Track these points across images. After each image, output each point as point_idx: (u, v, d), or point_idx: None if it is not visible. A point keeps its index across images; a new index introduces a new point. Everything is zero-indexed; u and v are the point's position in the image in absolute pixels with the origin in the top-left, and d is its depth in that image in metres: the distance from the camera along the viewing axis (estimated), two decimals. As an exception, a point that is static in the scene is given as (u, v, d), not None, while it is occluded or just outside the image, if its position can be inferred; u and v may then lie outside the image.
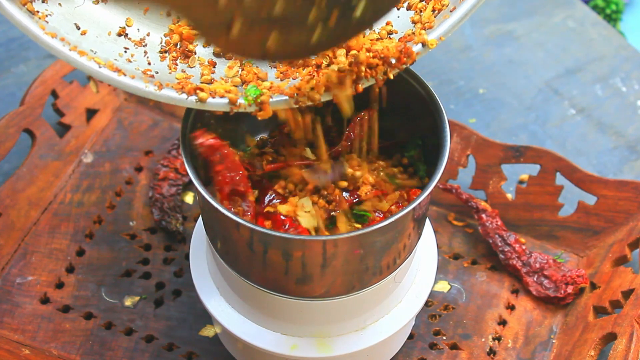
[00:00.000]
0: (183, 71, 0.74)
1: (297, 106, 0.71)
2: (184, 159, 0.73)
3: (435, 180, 0.71)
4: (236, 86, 0.72)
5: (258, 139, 0.84)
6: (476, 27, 1.25)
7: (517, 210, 1.01)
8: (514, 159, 1.02)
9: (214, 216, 0.75)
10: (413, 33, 0.71)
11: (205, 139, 0.74)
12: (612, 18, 1.40)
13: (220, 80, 0.73)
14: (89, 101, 1.08)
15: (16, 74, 1.16)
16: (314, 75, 0.72)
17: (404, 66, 0.70)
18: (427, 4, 0.73)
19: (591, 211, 0.99)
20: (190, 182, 1.03)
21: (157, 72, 0.73)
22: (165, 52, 0.75)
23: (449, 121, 0.77)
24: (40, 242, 0.98)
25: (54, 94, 1.06)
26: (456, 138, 1.04)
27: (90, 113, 1.08)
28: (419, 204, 0.71)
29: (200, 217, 0.85)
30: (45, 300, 0.94)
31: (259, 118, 0.70)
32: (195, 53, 0.76)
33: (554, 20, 1.26)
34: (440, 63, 1.21)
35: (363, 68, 0.69)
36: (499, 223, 0.98)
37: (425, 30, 0.71)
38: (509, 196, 1.02)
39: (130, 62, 0.73)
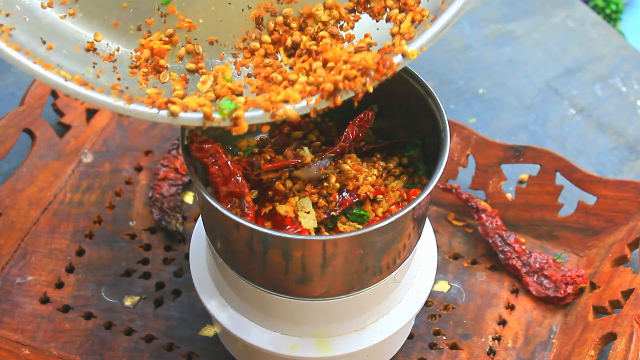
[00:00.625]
0: (154, 87, 0.72)
1: (273, 120, 0.68)
2: (184, 159, 0.73)
3: (435, 180, 0.71)
4: (210, 101, 0.70)
5: (258, 138, 0.84)
6: (476, 27, 1.25)
7: (517, 210, 1.01)
8: (514, 159, 1.02)
9: (213, 216, 0.75)
10: (393, 44, 0.70)
11: (196, 142, 0.73)
12: (612, 18, 1.40)
13: (194, 95, 0.71)
14: (89, 101, 1.08)
15: (16, 73, 1.16)
16: (287, 87, 0.70)
17: (384, 77, 0.68)
18: (407, 14, 0.72)
19: (591, 211, 0.99)
20: (190, 182, 1.03)
21: (127, 88, 0.71)
22: (136, 67, 0.73)
23: (448, 121, 0.77)
24: (40, 242, 0.98)
25: (54, 94, 1.06)
26: (456, 138, 1.04)
27: (90, 113, 1.08)
28: (419, 204, 0.71)
29: (200, 217, 0.85)
30: (45, 300, 0.94)
31: (234, 134, 0.68)
32: (167, 68, 0.73)
33: (554, 20, 1.26)
34: (440, 63, 1.21)
35: (340, 78, 0.68)
36: (498, 223, 0.98)
37: (405, 41, 0.70)
38: (509, 196, 1.02)
39: (99, 77, 0.71)
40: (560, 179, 1.01)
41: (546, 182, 1.01)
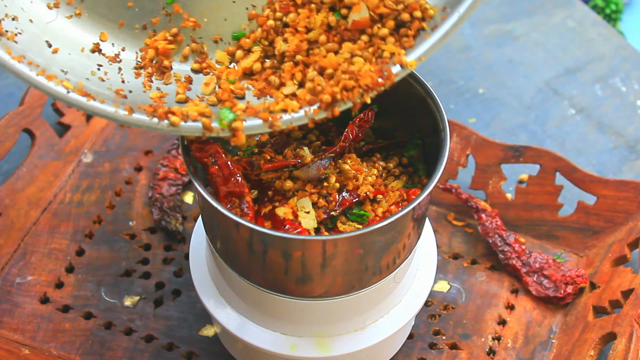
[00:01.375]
0: (158, 89, 0.73)
1: (272, 130, 0.69)
2: (184, 159, 0.73)
3: (435, 180, 0.71)
4: (212, 105, 0.71)
5: (258, 138, 0.84)
6: (476, 27, 1.25)
7: (517, 210, 1.01)
8: (514, 159, 1.02)
9: (213, 216, 0.75)
10: (391, 54, 0.69)
11: (196, 142, 0.73)
12: (611, 18, 1.40)
13: (195, 99, 0.72)
14: (89, 101, 1.08)
15: (16, 73, 1.15)
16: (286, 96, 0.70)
17: (382, 88, 0.69)
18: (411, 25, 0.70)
19: (591, 211, 0.99)
20: (190, 182, 1.03)
21: (130, 91, 0.71)
22: (141, 68, 0.74)
23: (448, 121, 0.77)
24: (40, 242, 0.98)
25: (54, 94, 1.06)
26: (456, 138, 1.04)
27: (90, 113, 1.08)
28: (419, 203, 0.71)
29: (200, 217, 0.85)
30: (45, 300, 0.94)
31: (232, 144, 0.70)
32: (171, 69, 0.74)
33: (554, 20, 1.26)
34: (440, 63, 1.21)
35: (338, 90, 0.68)
36: (498, 223, 0.98)
37: (404, 50, 0.69)
38: (509, 196, 1.02)
39: (103, 80, 0.71)
40: (560, 179, 1.01)
41: (546, 182, 1.01)
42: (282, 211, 0.74)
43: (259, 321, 0.81)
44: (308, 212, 0.74)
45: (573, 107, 1.16)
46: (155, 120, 0.69)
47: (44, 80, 0.68)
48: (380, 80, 0.68)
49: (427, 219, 0.86)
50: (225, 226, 0.73)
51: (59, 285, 0.95)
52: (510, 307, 0.95)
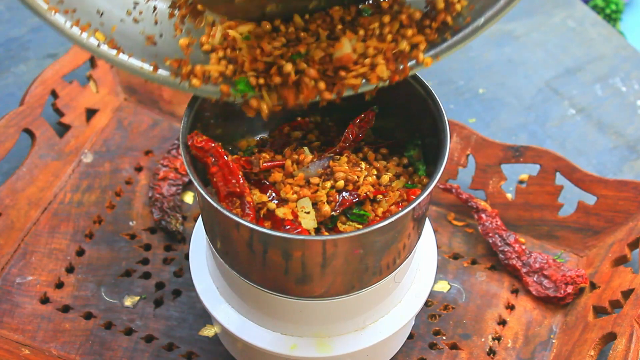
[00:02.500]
0: (188, 33, 0.74)
1: (281, 107, 0.70)
2: (184, 159, 0.73)
3: (435, 180, 0.71)
4: (230, 62, 0.72)
5: (258, 138, 0.84)
6: (476, 27, 1.25)
7: (517, 210, 1.01)
8: (514, 159, 1.02)
9: (213, 216, 0.75)
10: (410, 47, 0.69)
11: (197, 141, 0.73)
12: (611, 18, 1.41)
13: (218, 53, 0.73)
14: (89, 101, 1.08)
15: (16, 74, 1.16)
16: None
17: (395, 82, 0.70)
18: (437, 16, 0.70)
19: (591, 211, 0.99)
20: (190, 182, 1.03)
21: (161, 35, 0.72)
22: (175, 7, 0.74)
23: (448, 121, 0.77)
24: (40, 242, 0.98)
25: (54, 94, 1.06)
26: (456, 138, 1.04)
27: (90, 113, 1.08)
28: (419, 203, 0.71)
29: (200, 217, 0.85)
30: (45, 300, 0.94)
31: (246, 113, 0.71)
32: (204, 12, 0.75)
33: (554, 20, 1.26)
34: (440, 63, 1.19)
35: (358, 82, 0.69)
36: (498, 223, 0.98)
37: (425, 44, 0.69)
38: (509, 196, 1.02)
39: (137, 22, 0.72)
40: (560, 179, 1.01)
41: (546, 182, 1.01)
42: (282, 211, 0.74)
43: (259, 321, 0.81)
44: (308, 212, 0.74)
45: (573, 107, 1.16)
46: (178, 79, 0.71)
47: (77, 32, 0.69)
48: (394, 76, 0.69)
49: (427, 219, 0.86)
50: (225, 226, 0.73)
51: (59, 285, 0.95)
52: (511, 307, 0.95)
